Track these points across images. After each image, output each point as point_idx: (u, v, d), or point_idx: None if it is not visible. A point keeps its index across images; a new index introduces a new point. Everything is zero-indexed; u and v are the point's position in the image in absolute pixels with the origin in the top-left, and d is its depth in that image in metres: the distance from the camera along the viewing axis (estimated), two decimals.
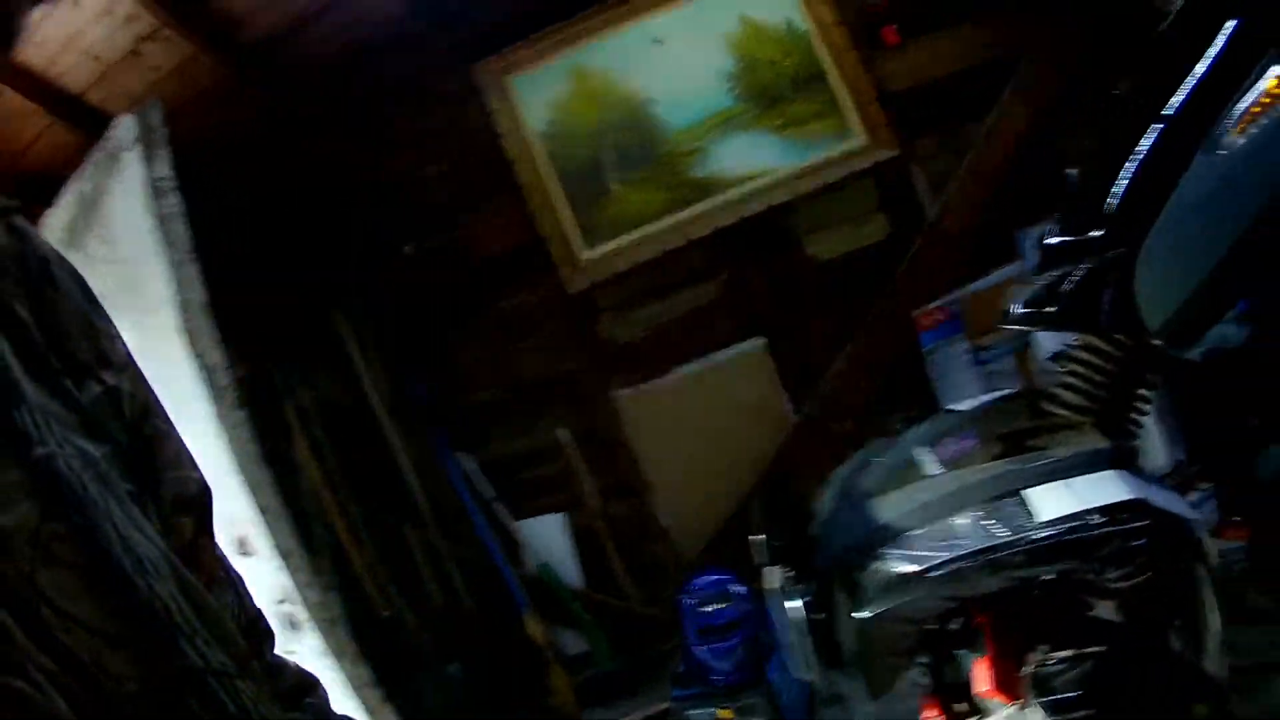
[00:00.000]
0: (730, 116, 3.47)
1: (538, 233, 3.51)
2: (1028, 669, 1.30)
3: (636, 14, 3.49)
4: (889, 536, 1.39)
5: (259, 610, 0.82)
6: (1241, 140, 1.12)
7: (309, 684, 0.82)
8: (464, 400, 3.81)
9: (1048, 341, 3.22)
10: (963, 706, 1.60)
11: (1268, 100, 1.10)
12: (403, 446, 3.75)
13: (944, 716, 1.57)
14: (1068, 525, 1.24)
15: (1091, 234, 1.36)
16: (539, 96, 3.54)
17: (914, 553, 1.34)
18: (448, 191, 3.68)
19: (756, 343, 3.54)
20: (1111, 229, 1.33)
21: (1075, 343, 1.50)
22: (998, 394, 1.77)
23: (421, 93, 3.66)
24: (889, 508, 1.44)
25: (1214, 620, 1.33)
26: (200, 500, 0.73)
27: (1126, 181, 1.31)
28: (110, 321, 0.71)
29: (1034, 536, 1.25)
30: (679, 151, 3.49)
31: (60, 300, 0.65)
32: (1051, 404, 1.50)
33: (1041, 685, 1.27)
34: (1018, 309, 1.50)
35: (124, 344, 0.72)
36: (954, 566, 1.28)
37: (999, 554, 1.26)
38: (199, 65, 3.33)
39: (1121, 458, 1.35)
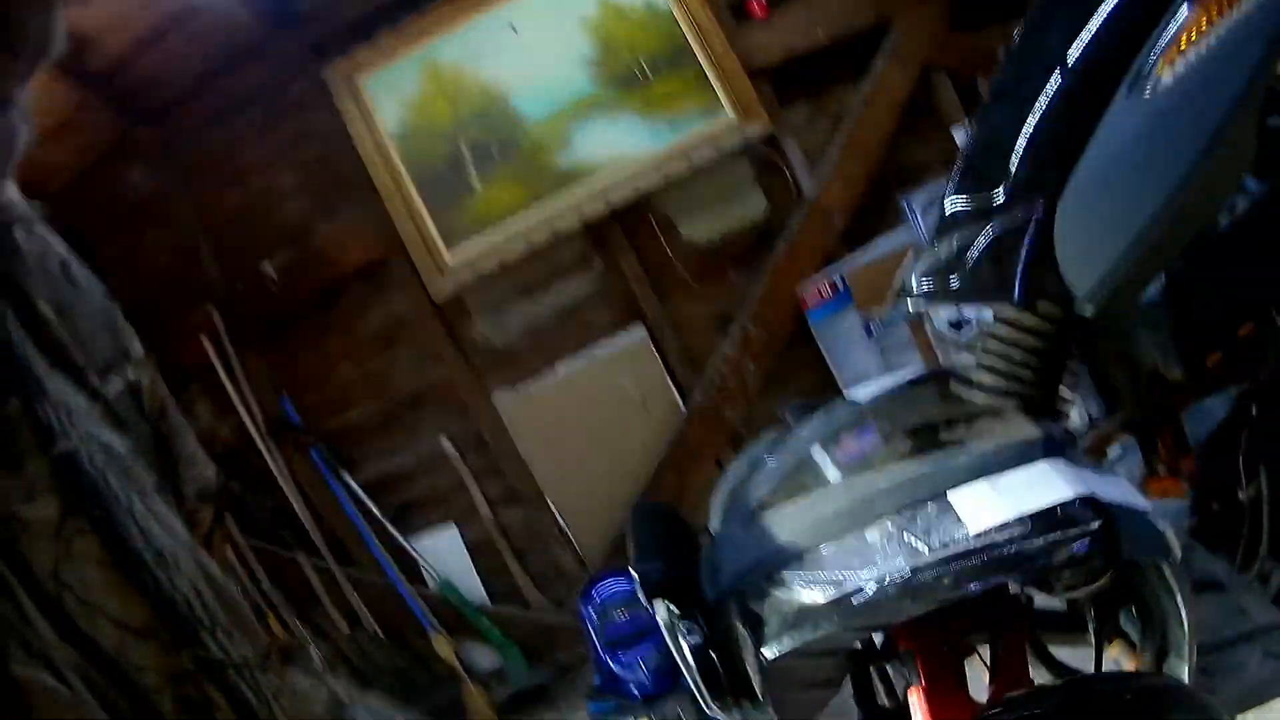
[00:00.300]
0: (592, 102, 3.33)
1: (399, 240, 3.35)
2: (986, 714, 1.09)
3: (489, 1, 3.33)
4: (787, 558, 1.17)
5: (262, 594, 0.86)
6: (1168, 79, 0.97)
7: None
8: (341, 419, 3.64)
9: (944, 308, 3.14)
10: None
11: (1195, 32, 0.95)
12: (286, 473, 3.60)
13: None
14: (1005, 535, 1.03)
15: (996, 193, 1.19)
16: (392, 96, 3.38)
17: (820, 576, 1.13)
18: (304, 203, 3.50)
19: (637, 333, 3.41)
20: (1020, 186, 1.17)
21: (987, 317, 1.31)
22: (898, 379, 1.57)
23: (272, 102, 3.48)
24: (785, 522, 1.23)
25: (1183, 621, 1.15)
26: (219, 492, 0.78)
27: (1031, 133, 1.15)
28: (126, 321, 0.75)
29: (964, 550, 1.03)
30: (541, 143, 3.34)
31: (82, 299, 0.67)
32: (965, 388, 1.30)
33: None
34: (917, 283, 1.32)
35: (140, 343, 0.74)
36: (868, 595, 1.07)
37: (923, 575, 1.04)
38: (50, 92, 3.19)
39: (1055, 445, 1.15)
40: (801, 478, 1.28)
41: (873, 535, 1.12)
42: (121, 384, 0.66)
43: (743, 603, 1.20)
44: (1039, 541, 1.02)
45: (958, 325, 3.03)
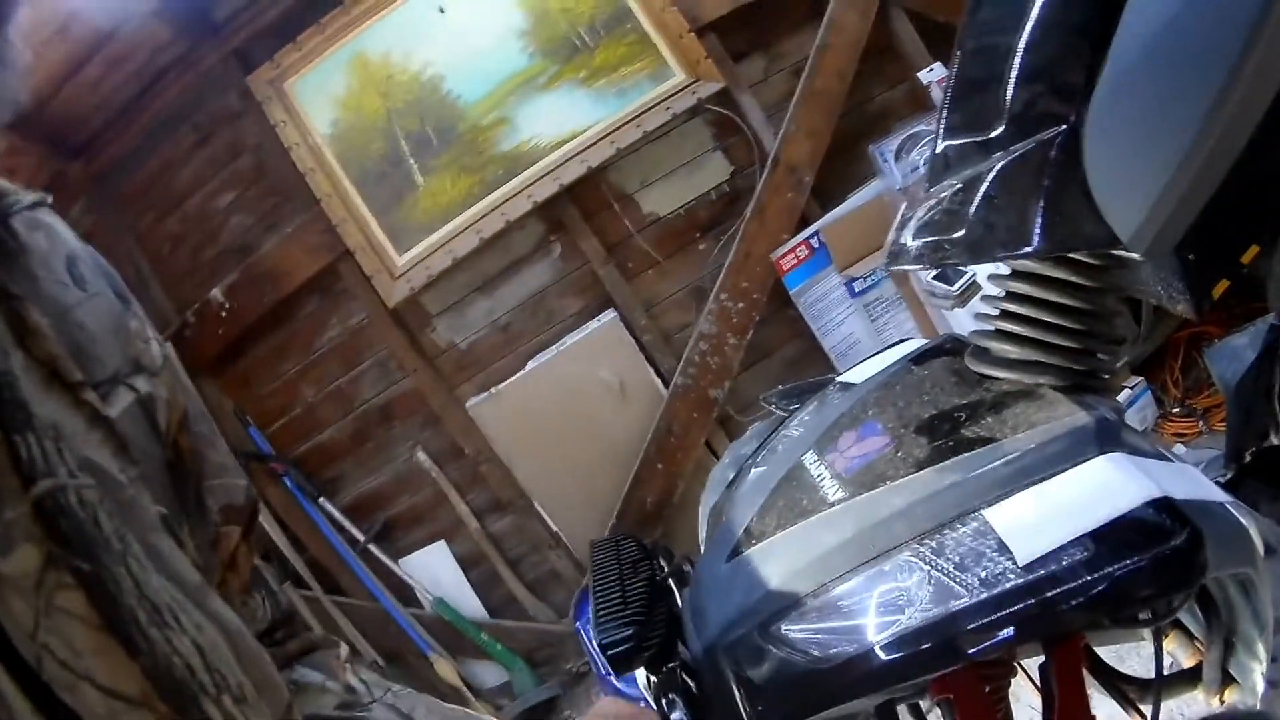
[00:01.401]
0: (529, 78, 3.11)
1: (345, 246, 3.16)
2: None
3: None
4: (784, 606, 0.93)
5: (290, 605, 0.81)
6: None
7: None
8: (312, 443, 3.46)
9: (947, 269, 2.93)
10: None
11: None
12: (260, 505, 3.42)
13: None
14: (1065, 561, 0.79)
15: (995, 125, 0.96)
16: (321, 96, 3.17)
17: (824, 633, 0.89)
18: (245, 219, 3.32)
19: (607, 318, 3.21)
20: (1023, 110, 0.93)
21: (1004, 275, 1.07)
22: (896, 353, 1.27)
23: (201, 118, 3.30)
24: (777, 557, 0.99)
25: (1260, 615, 0.91)
26: (247, 508, 0.71)
27: (1026, 43, 0.92)
28: (145, 322, 0.67)
29: (1013, 588, 0.79)
30: (481, 125, 3.13)
31: (87, 303, 0.60)
32: (985, 365, 1.06)
33: None
34: (910, 241, 1.07)
35: (162, 346, 0.67)
36: (889, 655, 0.83)
37: (965, 626, 0.81)
38: None
39: (1110, 431, 0.90)
40: (794, 495, 1.06)
41: (892, 572, 0.88)
42: (130, 399, 0.58)
43: (732, 662, 0.97)
44: (1114, 569, 0.78)
45: (946, 278, 2.82)
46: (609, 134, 3.11)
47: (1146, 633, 1.00)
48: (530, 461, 3.29)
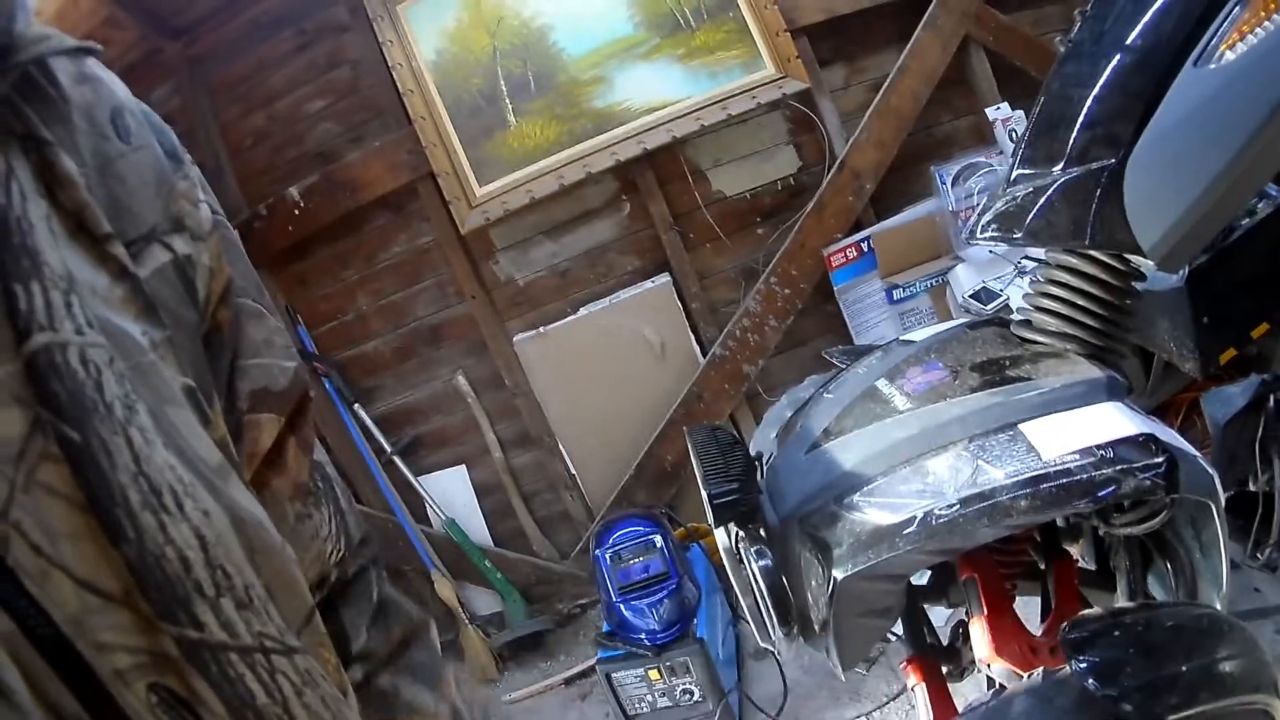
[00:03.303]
0: (631, 45, 3.30)
1: (430, 169, 3.32)
2: (1064, 630, 1.08)
3: None
4: (859, 482, 1.18)
5: (366, 532, 0.68)
6: (1231, 56, 1.05)
7: (414, 630, 0.70)
8: (357, 350, 3.62)
9: (966, 279, 3.15)
10: (948, 667, 1.46)
11: (1254, 21, 1.04)
12: None
13: (928, 679, 1.42)
14: (1078, 463, 1.05)
15: (1070, 145, 1.26)
16: (431, 24, 3.33)
17: (892, 500, 1.13)
18: (333, 128, 3.47)
19: (661, 281, 3.39)
20: (1082, 150, 1.24)
21: (1050, 262, 1.37)
22: (949, 325, 1.56)
23: (305, 24, 3.45)
24: (854, 448, 1.23)
25: (1220, 562, 1.17)
26: (291, 394, 0.61)
27: (1100, 94, 1.22)
28: (202, 186, 0.60)
29: (1039, 474, 1.05)
30: (580, 80, 3.31)
31: (130, 155, 0.54)
32: (1027, 331, 1.36)
33: (1078, 648, 1.05)
34: (985, 220, 1.36)
35: (214, 211, 0.60)
36: (947, 515, 1.07)
37: (1001, 498, 1.06)
38: (77, 4, 3.16)
39: (1118, 388, 1.20)
40: (869, 406, 1.30)
41: (947, 459, 1.14)
42: (165, 259, 0.52)
43: (809, 527, 1.21)
44: (1110, 471, 1.04)
45: (980, 298, 3.05)
46: (696, 110, 3.30)
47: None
48: (563, 403, 3.47)
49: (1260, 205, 1.53)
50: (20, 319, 0.42)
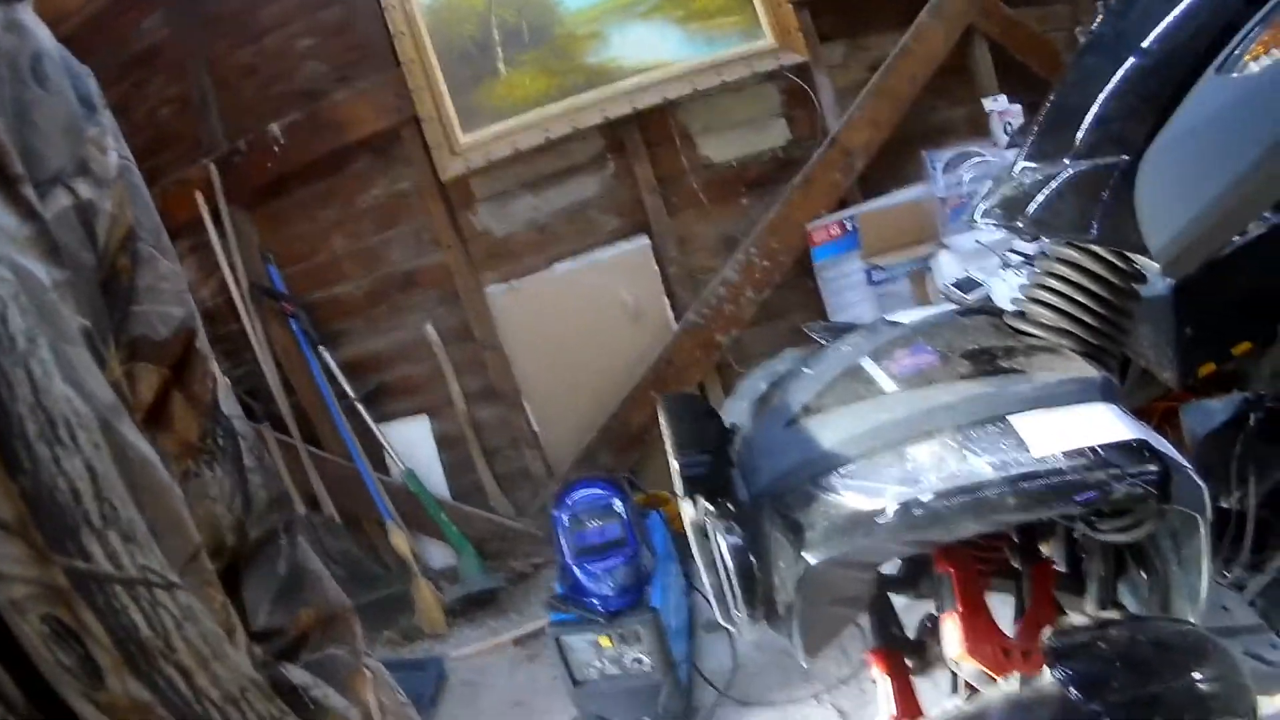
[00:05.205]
0: (630, 2, 3.23)
1: (414, 113, 3.24)
2: (1048, 638, 1.05)
3: None
4: (838, 463, 1.12)
5: (281, 491, 0.64)
6: (1255, 68, 1.02)
7: (332, 617, 0.64)
8: (327, 292, 3.55)
9: (949, 267, 3.13)
10: (913, 661, 1.42)
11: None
12: (263, 340, 3.50)
13: (892, 672, 1.38)
14: (1070, 462, 1.01)
15: (1081, 138, 1.22)
16: None
17: (872, 484, 1.08)
18: (320, 67, 3.38)
19: (640, 243, 3.36)
20: (1091, 146, 1.20)
21: (1050, 255, 1.32)
22: (939, 310, 1.51)
23: None
24: (834, 427, 1.18)
25: (1201, 584, 1.12)
26: (172, 345, 0.58)
27: (1115, 92, 1.20)
28: (112, 133, 0.59)
29: (1029, 472, 1.01)
30: (575, 35, 3.25)
31: (45, 101, 0.54)
32: (1022, 323, 1.30)
33: (1061, 657, 1.01)
34: (988, 205, 1.32)
35: (121, 159, 0.58)
36: (930, 505, 1.03)
37: (988, 492, 1.01)
38: None
39: (1112, 390, 1.15)
40: (851, 385, 1.25)
41: (932, 447, 1.09)
42: (67, 202, 0.52)
43: (782, 507, 1.16)
44: (1102, 474, 1.00)
45: (963, 286, 3.04)
46: (690, 74, 3.25)
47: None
48: (531, 359, 3.43)
49: (1253, 226, 1.51)
50: None
